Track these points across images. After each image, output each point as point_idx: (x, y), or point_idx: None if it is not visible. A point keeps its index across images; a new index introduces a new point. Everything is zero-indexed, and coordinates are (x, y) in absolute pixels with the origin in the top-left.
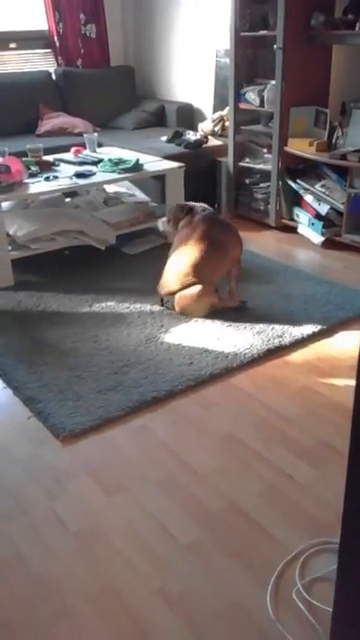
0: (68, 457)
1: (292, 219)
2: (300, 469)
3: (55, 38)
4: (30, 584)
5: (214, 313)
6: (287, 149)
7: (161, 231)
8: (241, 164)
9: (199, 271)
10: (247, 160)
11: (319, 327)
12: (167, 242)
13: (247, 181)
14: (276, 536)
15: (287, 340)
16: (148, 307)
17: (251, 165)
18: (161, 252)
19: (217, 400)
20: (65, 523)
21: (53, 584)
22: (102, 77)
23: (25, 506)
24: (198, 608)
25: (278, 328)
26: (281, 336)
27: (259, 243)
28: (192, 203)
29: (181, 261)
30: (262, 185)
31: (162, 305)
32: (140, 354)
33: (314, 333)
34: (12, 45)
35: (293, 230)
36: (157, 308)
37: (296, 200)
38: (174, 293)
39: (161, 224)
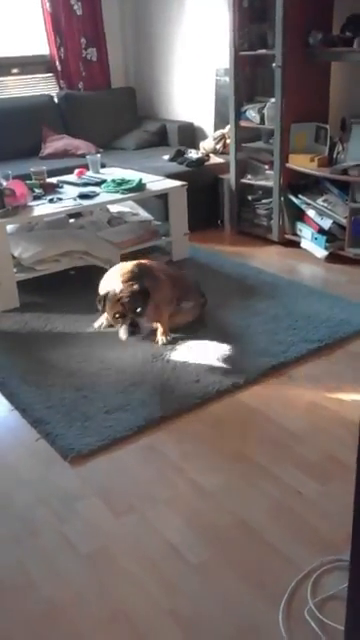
0: (77, 478)
1: (295, 234)
2: (308, 485)
3: (57, 62)
4: (40, 608)
5: (215, 329)
6: (288, 165)
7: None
8: (243, 181)
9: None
10: (249, 177)
11: (324, 342)
12: (171, 260)
13: (249, 197)
14: (286, 554)
15: (292, 355)
16: (154, 325)
17: (253, 182)
18: None
19: (224, 417)
20: (75, 546)
21: (63, 608)
22: (104, 99)
23: (34, 529)
24: (210, 630)
25: (283, 343)
26: (286, 351)
27: (262, 259)
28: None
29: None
30: (264, 201)
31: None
32: (146, 373)
33: (319, 348)
34: (14, 70)
35: (296, 245)
36: (161, 327)
37: (299, 215)
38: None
39: (124, 332)
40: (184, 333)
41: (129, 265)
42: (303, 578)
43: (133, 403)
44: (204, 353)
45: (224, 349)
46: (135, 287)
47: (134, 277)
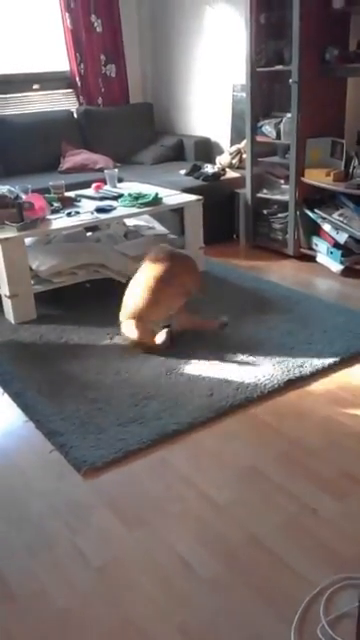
0: (89, 491)
1: (311, 248)
2: (323, 502)
3: (77, 78)
4: (52, 619)
5: (230, 343)
6: (304, 180)
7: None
8: (259, 195)
9: (136, 308)
10: (265, 191)
11: (340, 356)
12: None
13: (265, 212)
14: (299, 571)
15: (308, 370)
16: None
17: (269, 196)
18: None
19: (238, 432)
20: (87, 558)
21: (74, 619)
22: (122, 114)
23: (48, 540)
24: None
25: (298, 357)
26: (301, 366)
27: (278, 272)
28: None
29: (128, 294)
30: (280, 215)
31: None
32: (160, 386)
33: (335, 362)
34: (35, 86)
35: (312, 259)
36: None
37: (314, 229)
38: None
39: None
40: (198, 346)
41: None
42: (316, 595)
43: (146, 416)
44: (218, 367)
45: (238, 363)
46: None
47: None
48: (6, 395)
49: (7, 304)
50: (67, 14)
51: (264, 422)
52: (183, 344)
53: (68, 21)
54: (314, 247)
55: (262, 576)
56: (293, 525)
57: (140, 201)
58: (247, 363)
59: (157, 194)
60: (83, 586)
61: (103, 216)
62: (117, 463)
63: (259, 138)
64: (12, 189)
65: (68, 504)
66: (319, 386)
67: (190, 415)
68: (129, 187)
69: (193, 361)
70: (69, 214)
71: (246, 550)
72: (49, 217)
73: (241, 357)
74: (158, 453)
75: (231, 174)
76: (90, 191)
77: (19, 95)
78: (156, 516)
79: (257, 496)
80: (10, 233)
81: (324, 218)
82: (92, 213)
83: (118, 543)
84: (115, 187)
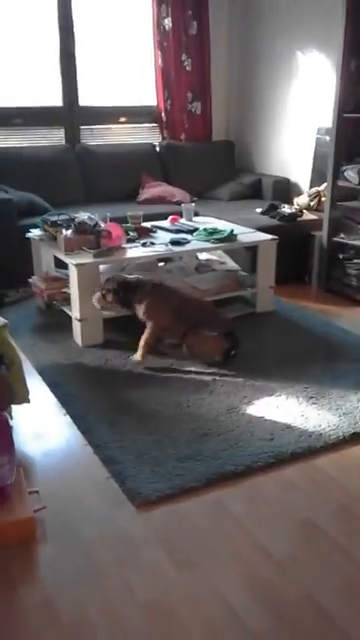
0: (142, 524)
1: None
2: None
3: (162, 113)
4: None
5: (295, 387)
6: None
7: (97, 307)
8: (335, 239)
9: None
10: (342, 235)
11: None
12: (255, 312)
13: (341, 256)
14: (355, 637)
15: None
16: (232, 377)
17: (346, 240)
18: (248, 321)
19: (297, 481)
20: (134, 593)
21: None
22: (203, 150)
23: (96, 569)
24: None
25: None
26: None
27: (351, 319)
28: (128, 277)
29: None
30: (356, 261)
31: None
32: (221, 424)
33: None
34: (122, 119)
35: None
36: (240, 379)
37: None
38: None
39: (96, 299)
40: (260, 387)
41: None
42: None
43: (205, 454)
44: (281, 411)
45: (303, 409)
46: (125, 279)
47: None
48: (67, 416)
49: (76, 327)
50: (159, 52)
51: (326, 474)
52: (245, 383)
53: (160, 59)
54: None
55: (313, 638)
56: (352, 587)
57: (215, 236)
58: (312, 410)
59: (232, 230)
60: (128, 622)
61: (177, 249)
62: (172, 499)
63: (340, 182)
64: (92, 216)
65: (120, 535)
66: None
67: (249, 458)
68: (205, 222)
69: (256, 402)
70: (144, 244)
71: (300, 609)
72: (124, 246)
73: (306, 403)
74: (214, 494)
75: (308, 216)
76: (166, 223)
77: (106, 127)
78: (207, 559)
79: (314, 552)
80: (86, 259)
81: None
82: (166, 245)
83: (166, 581)
84: (191, 221)
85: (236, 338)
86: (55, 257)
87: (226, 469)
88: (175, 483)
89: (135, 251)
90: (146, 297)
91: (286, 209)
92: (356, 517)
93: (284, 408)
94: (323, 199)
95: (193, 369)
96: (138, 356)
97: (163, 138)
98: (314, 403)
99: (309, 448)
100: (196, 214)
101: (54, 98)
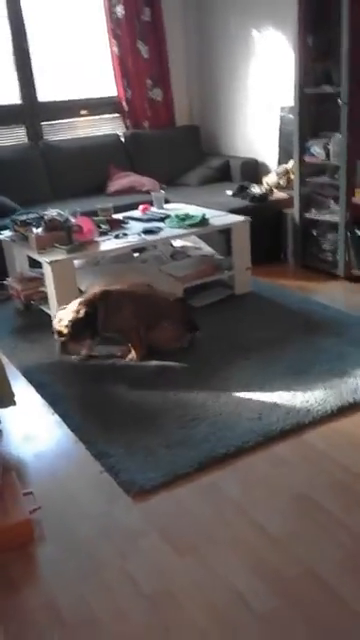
0: (139, 514)
1: None
2: None
3: (124, 103)
4: None
5: (279, 365)
6: (355, 200)
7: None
8: (307, 216)
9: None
10: (313, 211)
11: None
12: (234, 294)
13: (314, 232)
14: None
15: None
16: (216, 362)
17: (317, 217)
18: (228, 304)
19: (288, 458)
20: (137, 584)
21: None
22: (168, 137)
23: (97, 564)
24: None
25: (351, 382)
26: (355, 391)
27: (327, 294)
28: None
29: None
30: (329, 236)
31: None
32: (208, 408)
33: None
34: (83, 112)
35: None
36: (223, 362)
37: None
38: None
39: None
40: (245, 367)
41: (89, 294)
42: None
43: (194, 438)
44: (268, 389)
45: (288, 386)
46: (79, 314)
47: (86, 303)
48: (56, 415)
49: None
50: (114, 41)
51: (316, 449)
52: (229, 365)
53: (116, 48)
54: None
55: (321, 615)
56: (353, 561)
57: (187, 222)
58: (297, 387)
59: (204, 215)
60: (133, 614)
61: (150, 237)
62: (166, 486)
63: (307, 158)
64: (61, 212)
65: (118, 528)
66: None
67: (239, 439)
68: (176, 208)
69: (240, 383)
70: (117, 236)
71: (304, 585)
72: (97, 239)
73: (290, 380)
74: (207, 477)
75: (278, 194)
76: (137, 213)
77: (67, 121)
78: (207, 543)
79: (312, 527)
80: (60, 255)
81: None
82: (139, 235)
83: (169, 570)
84: (162, 208)
85: (194, 321)
86: (28, 257)
87: (217, 452)
88: (168, 470)
89: (108, 244)
90: (102, 311)
91: (256, 189)
92: (349, 489)
93: (270, 387)
94: (292, 177)
95: (175, 358)
96: (135, 357)
97: (127, 128)
98: (299, 379)
99: (298, 424)
100: (167, 201)
101: (11, 96)
